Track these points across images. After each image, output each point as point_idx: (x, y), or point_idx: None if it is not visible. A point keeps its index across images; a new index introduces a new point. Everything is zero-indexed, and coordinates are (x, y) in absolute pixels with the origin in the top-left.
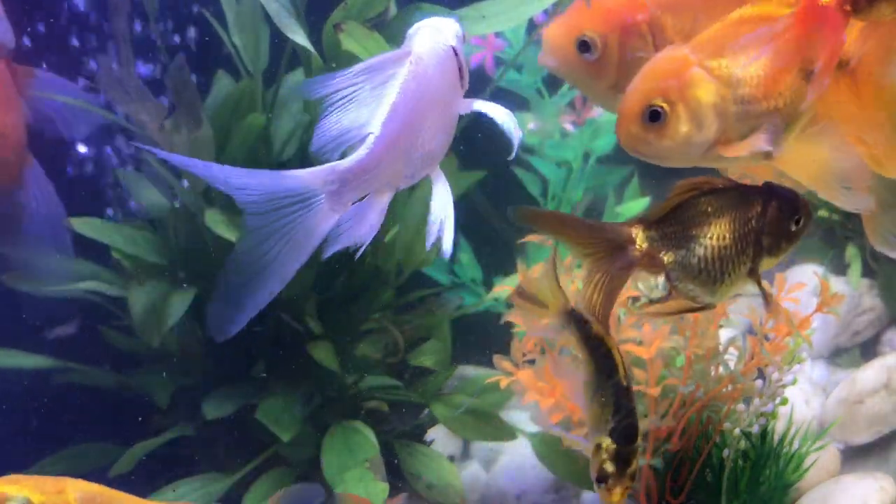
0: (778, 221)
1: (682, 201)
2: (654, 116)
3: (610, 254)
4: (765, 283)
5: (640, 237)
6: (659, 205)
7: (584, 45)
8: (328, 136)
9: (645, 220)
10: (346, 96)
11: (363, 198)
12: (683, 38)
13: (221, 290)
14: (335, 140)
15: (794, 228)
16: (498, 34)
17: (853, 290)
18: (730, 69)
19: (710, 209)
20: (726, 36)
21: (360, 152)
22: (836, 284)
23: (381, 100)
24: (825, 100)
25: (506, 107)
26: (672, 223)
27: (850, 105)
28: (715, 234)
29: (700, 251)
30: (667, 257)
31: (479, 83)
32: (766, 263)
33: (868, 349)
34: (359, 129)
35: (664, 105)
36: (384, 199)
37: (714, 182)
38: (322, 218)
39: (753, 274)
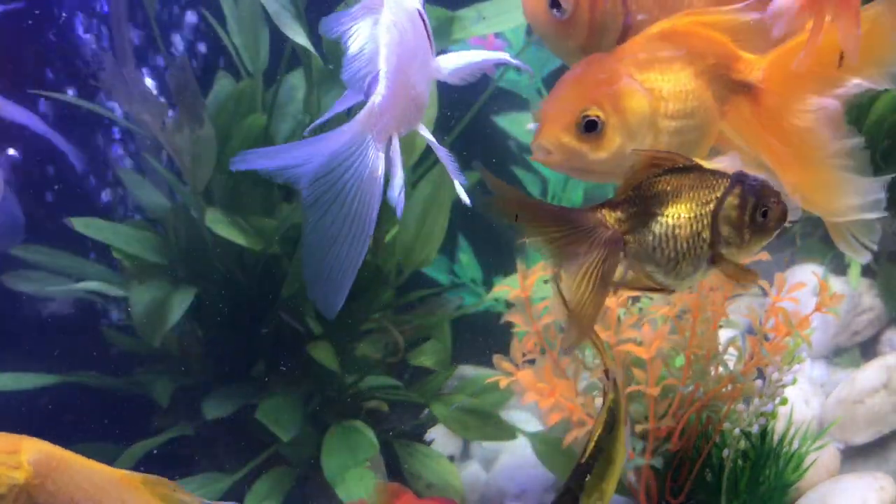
0: (739, 210)
1: (644, 180)
2: (590, 126)
3: (585, 239)
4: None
5: (610, 219)
6: (624, 184)
7: (554, 3)
8: (357, 66)
9: (610, 203)
10: (356, 32)
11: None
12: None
13: (313, 271)
14: (363, 69)
15: (760, 220)
16: (498, 34)
17: (853, 290)
18: (660, 83)
19: (668, 188)
20: (652, 49)
21: (381, 89)
22: (836, 284)
23: (378, 39)
24: (733, 123)
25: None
26: (635, 203)
27: (756, 131)
28: (670, 214)
29: (655, 229)
30: (629, 237)
31: (479, 83)
32: (735, 255)
33: (868, 349)
34: (375, 63)
35: (600, 114)
36: (397, 142)
37: (676, 159)
38: (376, 158)
39: (716, 263)
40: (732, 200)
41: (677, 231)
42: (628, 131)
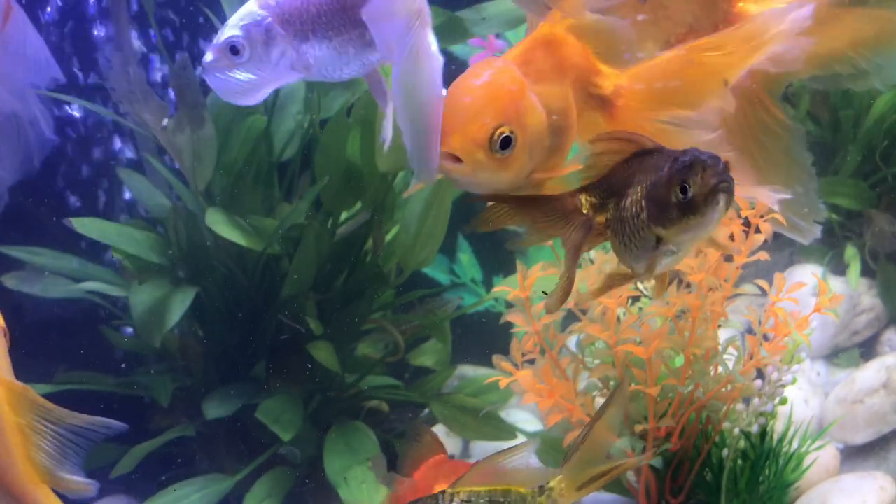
0: (665, 187)
1: (616, 163)
2: (505, 144)
3: (563, 223)
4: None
5: (586, 204)
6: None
7: None
8: None
9: (587, 187)
10: None
11: None
12: None
13: (412, 140)
14: None
15: (681, 197)
16: (498, 35)
17: (852, 291)
18: (549, 99)
19: (629, 171)
20: (541, 58)
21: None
22: (836, 284)
23: None
24: (585, 136)
25: None
26: (606, 187)
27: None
28: (626, 196)
29: (616, 212)
30: (600, 220)
31: None
32: (669, 236)
33: (867, 349)
34: None
35: (514, 131)
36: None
37: (643, 142)
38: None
39: (658, 247)
40: (662, 177)
41: (624, 213)
42: (529, 149)
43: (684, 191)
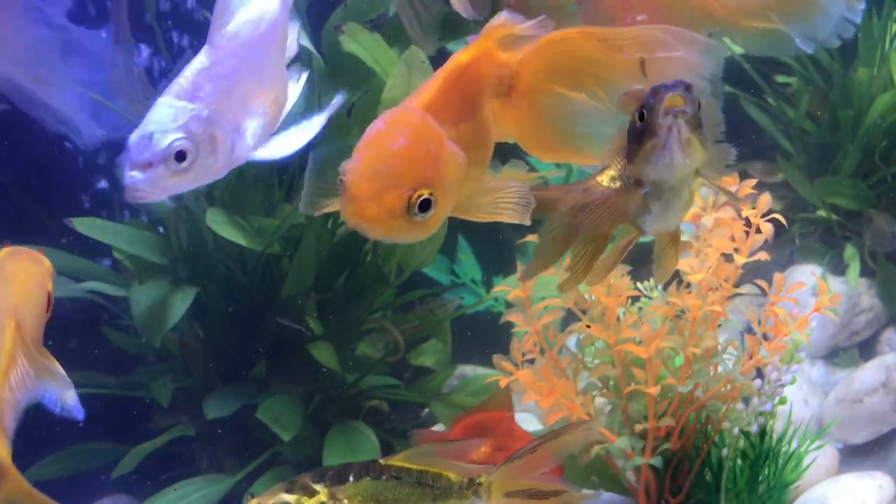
0: (634, 119)
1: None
2: (424, 207)
3: (583, 203)
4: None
5: (605, 179)
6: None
7: None
8: None
9: (606, 167)
10: None
11: None
12: None
13: None
14: None
15: (638, 125)
16: None
17: (852, 290)
18: (468, 136)
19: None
20: (454, 97)
21: None
22: (835, 284)
23: None
24: (498, 125)
25: None
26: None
27: (506, 124)
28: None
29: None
30: (619, 188)
31: None
32: (639, 170)
33: (867, 349)
34: None
35: (433, 192)
36: None
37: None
38: None
39: (639, 189)
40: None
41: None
42: (450, 197)
43: (642, 117)
